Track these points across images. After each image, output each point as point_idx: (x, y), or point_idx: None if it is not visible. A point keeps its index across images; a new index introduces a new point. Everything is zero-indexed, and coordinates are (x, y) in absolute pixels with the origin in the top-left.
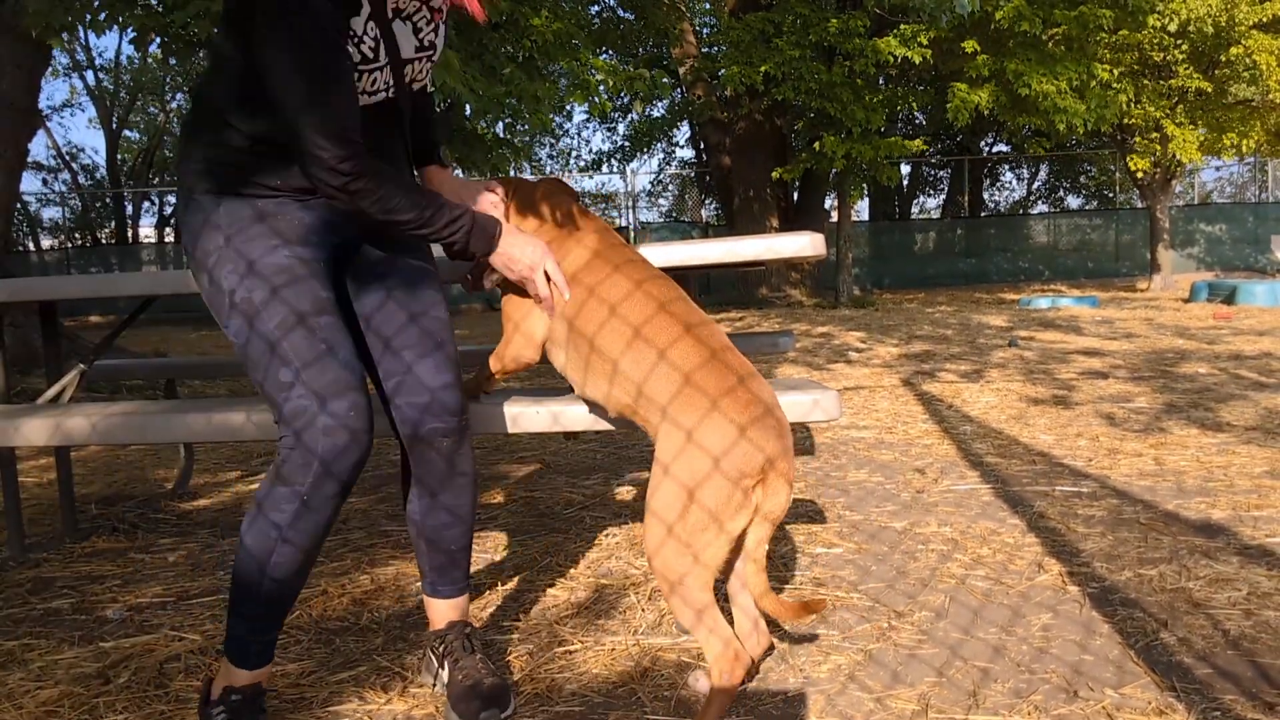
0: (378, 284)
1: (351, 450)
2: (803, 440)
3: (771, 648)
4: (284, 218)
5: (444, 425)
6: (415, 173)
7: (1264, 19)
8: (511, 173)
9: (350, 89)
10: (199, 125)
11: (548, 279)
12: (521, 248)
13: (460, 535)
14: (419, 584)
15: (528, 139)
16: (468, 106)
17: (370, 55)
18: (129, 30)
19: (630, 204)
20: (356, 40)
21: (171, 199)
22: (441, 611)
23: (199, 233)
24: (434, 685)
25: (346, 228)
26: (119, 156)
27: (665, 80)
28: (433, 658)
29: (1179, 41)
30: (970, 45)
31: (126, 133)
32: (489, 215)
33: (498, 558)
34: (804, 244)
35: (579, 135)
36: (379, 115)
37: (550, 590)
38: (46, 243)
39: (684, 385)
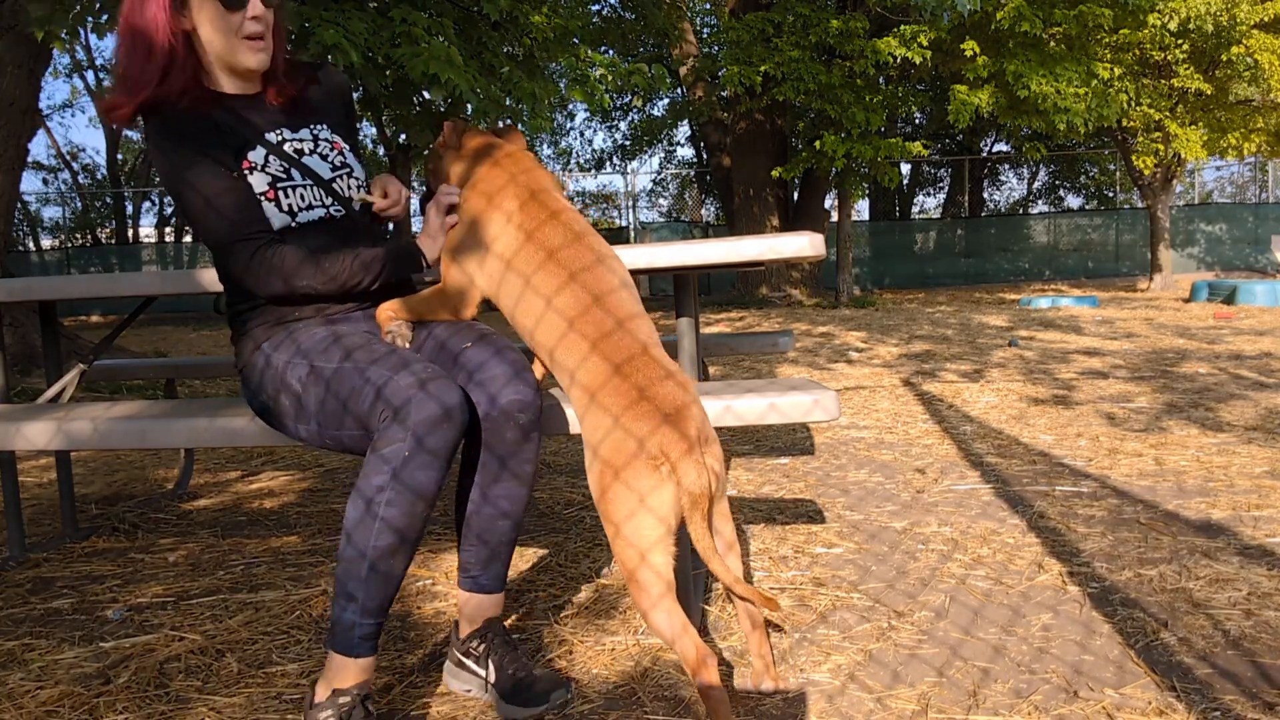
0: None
1: (430, 405)
2: (803, 440)
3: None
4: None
5: (522, 398)
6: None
7: (1265, 18)
8: None
9: (248, 195)
10: (243, 321)
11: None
12: (432, 230)
13: (519, 504)
14: (420, 583)
15: (528, 138)
16: (469, 106)
17: (283, 175)
18: None
19: (630, 204)
20: (259, 167)
21: (170, 197)
22: (480, 608)
23: (262, 372)
24: (484, 690)
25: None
26: (119, 156)
27: (665, 76)
28: (471, 661)
29: (1179, 41)
30: (970, 47)
31: (126, 132)
32: (406, 241)
33: None
34: (803, 244)
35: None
36: (340, 234)
37: (550, 590)
38: (46, 243)
39: (590, 352)
